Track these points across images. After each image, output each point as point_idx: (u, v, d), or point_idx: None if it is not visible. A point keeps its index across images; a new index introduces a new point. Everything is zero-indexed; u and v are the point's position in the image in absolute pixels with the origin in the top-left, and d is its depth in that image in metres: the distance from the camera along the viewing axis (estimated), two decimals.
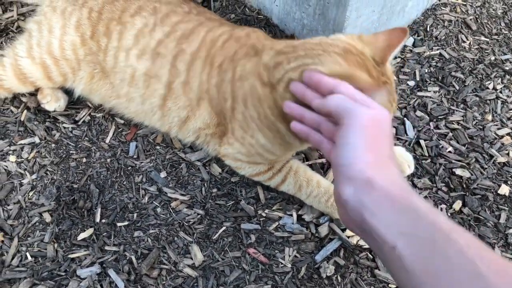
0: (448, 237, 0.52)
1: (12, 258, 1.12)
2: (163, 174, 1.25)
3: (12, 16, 1.57)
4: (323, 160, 1.29)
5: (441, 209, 1.23)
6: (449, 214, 1.23)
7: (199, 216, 1.18)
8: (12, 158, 1.27)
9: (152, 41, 1.20)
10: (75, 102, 1.39)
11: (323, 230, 1.16)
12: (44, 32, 1.30)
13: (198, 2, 1.63)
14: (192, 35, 1.19)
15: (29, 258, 1.12)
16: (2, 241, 1.14)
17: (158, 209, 1.19)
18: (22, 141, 1.31)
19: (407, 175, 1.25)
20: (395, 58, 1.59)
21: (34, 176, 1.24)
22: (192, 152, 1.30)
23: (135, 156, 1.28)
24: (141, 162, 1.27)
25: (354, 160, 0.62)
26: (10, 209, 1.19)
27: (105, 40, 1.25)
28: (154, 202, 1.20)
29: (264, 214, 1.19)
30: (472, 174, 1.30)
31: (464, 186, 1.27)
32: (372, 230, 0.58)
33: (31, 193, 1.22)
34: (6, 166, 1.26)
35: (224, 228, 1.17)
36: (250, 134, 1.08)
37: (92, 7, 1.28)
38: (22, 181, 1.24)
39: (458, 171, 1.29)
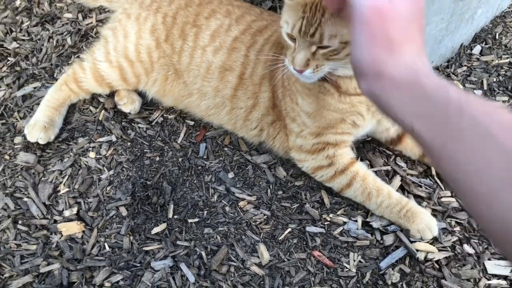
0: (460, 109, 0.54)
1: (92, 248, 1.20)
2: (231, 175, 1.30)
3: (92, 22, 1.69)
4: (388, 167, 1.29)
5: None
6: None
7: (265, 216, 1.22)
8: (92, 154, 1.37)
9: (228, 38, 1.28)
10: (148, 104, 1.47)
11: (389, 238, 1.16)
12: (119, 37, 1.40)
13: None
14: (266, 30, 1.28)
15: (107, 248, 1.20)
16: (83, 231, 1.23)
17: (227, 208, 1.24)
18: (101, 139, 1.40)
19: None
20: (461, 66, 1.56)
21: (111, 172, 1.33)
22: (258, 155, 1.34)
23: (204, 157, 1.35)
24: (211, 163, 1.33)
25: (361, 57, 0.64)
26: (90, 202, 1.28)
27: (179, 42, 1.33)
28: (223, 201, 1.25)
29: (328, 218, 1.21)
30: None
31: None
32: (391, 116, 0.62)
33: (108, 188, 1.31)
34: (87, 162, 1.35)
35: (289, 229, 1.20)
36: (295, 101, 1.16)
37: (166, 12, 1.36)
38: (100, 176, 1.33)
39: None
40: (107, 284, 1.13)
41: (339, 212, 1.22)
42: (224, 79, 1.29)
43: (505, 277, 1.09)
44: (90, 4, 1.73)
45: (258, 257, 1.16)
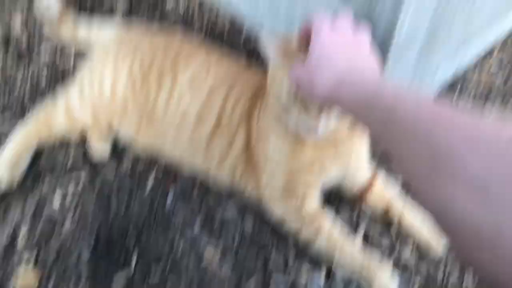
0: (393, 112, 0.61)
1: None
2: (198, 224, 1.30)
3: (69, 63, 1.70)
4: (353, 219, 1.32)
5: None
6: None
7: (231, 266, 1.22)
8: (57, 197, 1.34)
9: (205, 86, 1.30)
10: (118, 149, 1.46)
11: None
12: (94, 79, 1.39)
13: None
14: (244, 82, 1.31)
15: None
16: (40, 281, 1.18)
17: (192, 258, 1.23)
18: (67, 183, 1.38)
19: None
20: None
21: (76, 217, 1.30)
22: (226, 205, 1.35)
23: (172, 205, 1.34)
24: (178, 211, 1.32)
25: (312, 92, 0.84)
26: (50, 249, 1.24)
27: (155, 88, 1.33)
28: (188, 251, 1.24)
29: (294, 268, 1.22)
30: None
31: None
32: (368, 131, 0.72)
33: (70, 235, 1.27)
34: (51, 206, 1.32)
35: (254, 278, 1.19)
36: (266, 140, 1.18)
37: (143, 56, 1.36)
38: (64, 222, 1.30)
39: None
40: None
41: (304, 262, 1.23)
42: (200, 127, 1.30)
43: None
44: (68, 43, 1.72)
45: None
